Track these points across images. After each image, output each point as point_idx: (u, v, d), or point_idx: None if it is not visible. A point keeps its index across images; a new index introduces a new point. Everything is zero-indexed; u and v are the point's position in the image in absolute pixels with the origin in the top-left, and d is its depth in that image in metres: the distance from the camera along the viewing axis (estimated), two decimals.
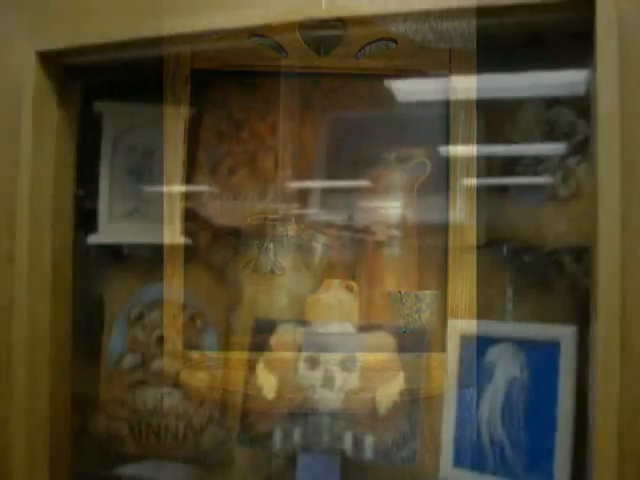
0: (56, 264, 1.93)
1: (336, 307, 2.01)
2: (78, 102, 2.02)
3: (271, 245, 1.98)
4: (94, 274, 2.20)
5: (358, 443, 1.91)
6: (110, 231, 2.05)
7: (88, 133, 2.06)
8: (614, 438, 1.43)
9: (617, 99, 1.42)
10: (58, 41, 1.83)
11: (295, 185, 2.02)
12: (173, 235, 2.06)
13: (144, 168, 2.09)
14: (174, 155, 2.07)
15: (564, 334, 1.76)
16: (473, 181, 1.89)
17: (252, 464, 2.11)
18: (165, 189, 2.08)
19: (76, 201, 2.02)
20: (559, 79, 1.83)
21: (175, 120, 2.08)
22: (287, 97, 1.89)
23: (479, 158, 1.88)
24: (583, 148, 1.75)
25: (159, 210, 2.07)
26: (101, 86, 2.08)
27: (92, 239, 2.04)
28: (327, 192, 2.01)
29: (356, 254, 2.03)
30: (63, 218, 1.97)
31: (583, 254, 1.66)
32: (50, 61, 1.87)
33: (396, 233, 1.94)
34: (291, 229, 2.00)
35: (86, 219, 2.06)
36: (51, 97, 1.91)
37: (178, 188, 2.07)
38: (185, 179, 2.07)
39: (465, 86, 1.88)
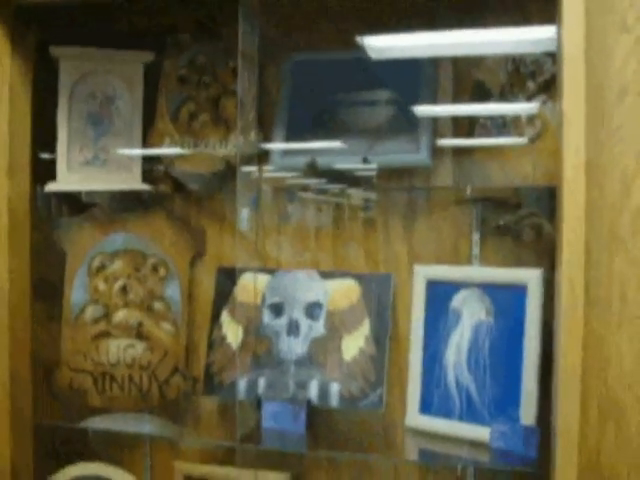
0: (13, 214, 1.87)
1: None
2: (33, 47, 1.94)
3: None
4: (54, 224, 2.15)
5: (324, 391, 1.90)
6: (69, 179, 2.00)
7: (44, 79, 1.99)
8: (578, 375, 1.42)
9: (582, 38, 1.39)
10: None
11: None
12: (134, 183, 2.01)
13: (103, 115, 2.03)
14: (134, 101, 2.02)
15: (530, 277, 1.74)
16: (438, 122, 1.86)
17: (217, 413, 2.09)
18: (125, 136, 2.03)
19: (33, 150, 1.96)
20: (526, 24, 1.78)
21: (134, 65, 2.03)
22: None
23: (444, 99, 1.85)
24: (549, 87, 1.72)
25: (119, 158, 2.03)
26: (57, 30, 2.00)
27: (50, 187, 1.98)
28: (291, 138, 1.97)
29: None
30: (19, 167, 1.90)
31: (549, 195, 1.64)
32: (1, 2, 1.80)
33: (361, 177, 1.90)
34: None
35: (44, 168, 2.00)
36: (3, 41, 1.84)
37: (138, 135, 2.02)
38: (145, 125, 2.03)
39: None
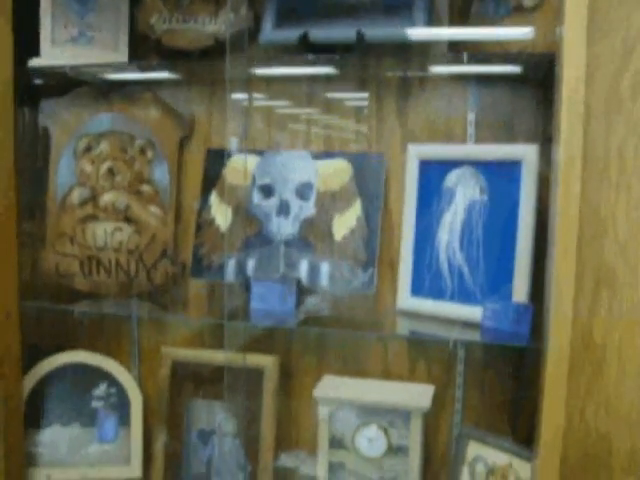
0: None
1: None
2: None
3: None
4: (38, 105, 2.09)
5: (314, 271, 1.87)
6: (53, 55, 1.93)
7: None
8: (573, 247, 1.40)
9: None
10: None
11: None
12: (121, 60, 1.95)
13: None
14: None
15: (526, 152, 1.70)
16: None
17: (205, 296, 2.06)
18: (111, 13, 1.96)
19: (15, 25, 1.88)
20: None
21: None
22: None
23: None
24: None
25: (106, 36, 1.97)
26: None
27: (34, 62, 1.91)
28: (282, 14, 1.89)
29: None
30: (0, 44, 1.83)
31: (547, 64, 1.59)
32: None
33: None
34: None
35: (28, 45, 1.94)
36: None
37: (125, 11, 1.96)
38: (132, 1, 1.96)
39: None
